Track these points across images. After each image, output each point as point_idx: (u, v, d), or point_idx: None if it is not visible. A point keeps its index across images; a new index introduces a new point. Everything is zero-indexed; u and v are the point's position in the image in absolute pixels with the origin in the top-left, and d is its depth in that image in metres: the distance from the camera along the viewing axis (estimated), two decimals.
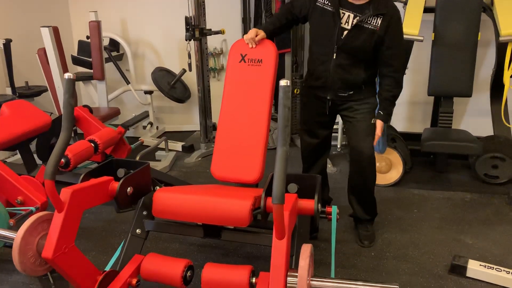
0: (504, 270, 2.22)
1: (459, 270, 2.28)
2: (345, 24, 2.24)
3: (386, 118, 2.43)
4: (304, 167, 2.70)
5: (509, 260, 2.41)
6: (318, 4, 2.29)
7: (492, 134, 3.41)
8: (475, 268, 2.24)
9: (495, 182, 3.30)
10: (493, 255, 2.45)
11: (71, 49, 4.48)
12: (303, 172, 2.70)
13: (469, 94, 3.40)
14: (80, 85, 4.69)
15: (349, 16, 2.23)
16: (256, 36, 2.30)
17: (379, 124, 2.40)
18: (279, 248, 1.44)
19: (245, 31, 4.16)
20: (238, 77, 2.35)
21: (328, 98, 2.41)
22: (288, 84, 1.38)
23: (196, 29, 3.69)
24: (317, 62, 2.39)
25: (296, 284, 1.38)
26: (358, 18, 2.21)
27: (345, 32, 2.24)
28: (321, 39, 2.35)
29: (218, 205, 1.84)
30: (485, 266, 2.25)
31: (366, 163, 2.43)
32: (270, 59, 2.30)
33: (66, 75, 1.63)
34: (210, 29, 3.84)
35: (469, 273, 2.25)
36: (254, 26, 4.01)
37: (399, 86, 2.38)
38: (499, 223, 2.80)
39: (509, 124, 3.33)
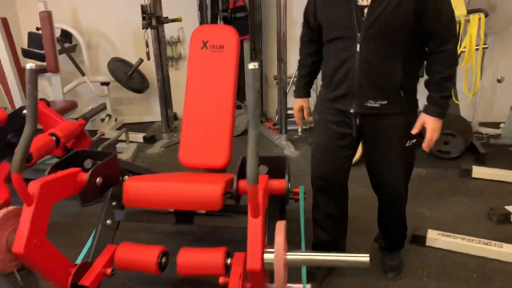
0: (459, 237, 2.38)
1: (419, 240, 2.42)
2: (362, 0, 1.68)
3: (440, 111, 1.77)
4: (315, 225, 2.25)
5: (463, 228, 2.58)
6: None
7: None
8: (434, 237, 2.39)
9: (447, 157, 3.50)
10: (449, 224, 2.62)
11: (19, 42, 4.30)
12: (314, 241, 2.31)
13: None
14: None
15: None
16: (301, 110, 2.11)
17: (430, 122, 1.78)
18: (255, 226, 1.48)
19: (201, 18, 4.12)
20: (201, 63, 2.36)
21: (351, 111, 1.82)
22: (257, 66, 1.39)
23: (153, 17, 3.64)
24: (336, 63, 1.80)
25: (273, 259, 1.43)
26: None
27: (366, 10, 1.66)
28: (336, 32, 1.77)
29: (190, 191, 1.86)
30: (442, 235, 2.40)
31: (397, 202, 2.06)
32: (232, 45, 2.33)
33: (28, 65, 1.57)
34: (167, 17, 3.80)
35: (428, 242, 2.40)
36: (211, 13, 4.00)
37: (454, 63, 1.75)
38: (453, 194, 2.98)
39: (457, 101, 3.52)
